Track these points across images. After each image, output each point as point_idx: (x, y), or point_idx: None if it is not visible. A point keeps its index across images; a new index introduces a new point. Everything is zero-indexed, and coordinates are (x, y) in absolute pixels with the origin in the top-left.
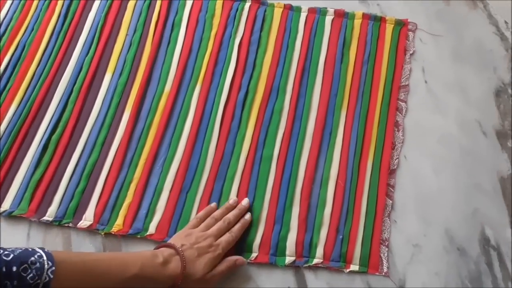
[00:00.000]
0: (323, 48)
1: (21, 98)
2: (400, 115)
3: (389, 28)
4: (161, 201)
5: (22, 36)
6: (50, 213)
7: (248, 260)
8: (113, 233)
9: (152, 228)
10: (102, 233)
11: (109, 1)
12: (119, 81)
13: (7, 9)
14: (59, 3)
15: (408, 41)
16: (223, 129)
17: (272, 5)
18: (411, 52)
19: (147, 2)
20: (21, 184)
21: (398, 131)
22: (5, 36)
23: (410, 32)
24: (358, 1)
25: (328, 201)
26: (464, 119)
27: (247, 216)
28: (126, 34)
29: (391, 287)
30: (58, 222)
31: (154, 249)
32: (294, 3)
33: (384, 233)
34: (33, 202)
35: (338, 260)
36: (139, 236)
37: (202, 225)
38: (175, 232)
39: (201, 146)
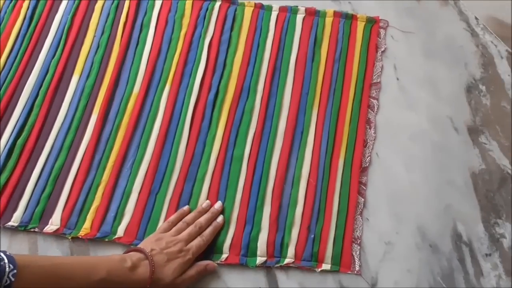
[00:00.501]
0: (294, 46)
1: None
2: (372, 112)
3: (360, 26)
4: (130, 204)
5: None
6: (16, 218)
7: (219, 261)
8: (80, 237)
9: (120, 231)
10: (69, 237)
11: (76, 3)
12: (86, 83)
13: None
14: (25, 5)
15: (380, 38)
16: (193, 130)
17: (243, 4)
18: (382, 49)
19: (115, 3)
20: None
21: (370, 128)
22: None
23: (381, 30)
24: None
25: (299, 200)
26: (436, 115)
27: (219, 219)
28: (94, 36)
29: (363, 285)
30: (24, 227)
31: (123, 253)
32: (265, 2)
33: (356, 231)
34: None
35: (309, 259)
36: (107, 240)
37: (173, 229)
38: (144, 235)
39: (171, 148)
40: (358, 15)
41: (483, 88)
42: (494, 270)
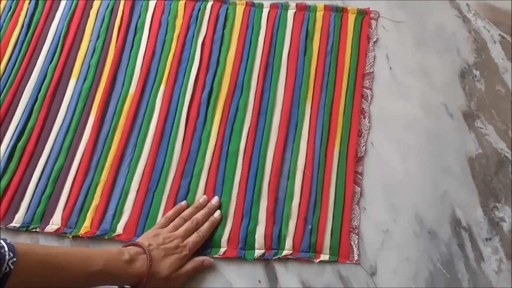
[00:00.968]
0: (286, 42)
1: None
2: (366, 102)
3: (351, 18)
4: (128, 202)
5: None
6: (17, 219)
7: (217, 255)
8: (80, 235)
9: (119, 229)
10: (70, 236)
11: (71, 10)
12: (83, 86)
13: None
14: (22, 13)
15: (371, 29)
16: (189, 128)
17: (234, 3)
18: (374, 39)
19: (109, 8)
20: None
21: (364, 118)
22: None
23: (372, 21)
24: None
25: (295, 193)
26: (430, 103)
27: (216, 214)
28: (90, 40)
29: (362, 274)
30: (25, 228)
31: (122, 247)
32: (256, 0)
33: (354, 221)
34: (0, 209)
35: (307, 250)
36: (106, 237)
37: (170, 225)
38: (142, 232)
39: (167, 145)
40: (348, 8)
41: (477, 73)
42: (495, 254)
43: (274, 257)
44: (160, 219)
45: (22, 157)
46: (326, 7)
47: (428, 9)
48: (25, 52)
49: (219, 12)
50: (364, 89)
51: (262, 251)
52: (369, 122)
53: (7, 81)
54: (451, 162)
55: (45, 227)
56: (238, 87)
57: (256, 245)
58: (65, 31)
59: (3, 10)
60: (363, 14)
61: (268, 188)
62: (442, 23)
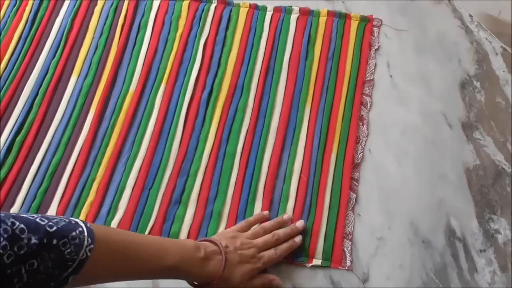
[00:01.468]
0: (287, 46)
1: None
2: (365, 109)
3: (354, 25)
4: (124, 199)
5: None
6: None
7: None
8: None
9: (114, 226)
10: None
11: (76, 7)
12: (84, 83)
13: None
14: (27, 9)
15: (373, 36)
16: (187, 127)
17: (238, 5)
18: (376, 47)
19: (114, 6)
20: None
21: (363, 125)
22: None
23: (375, 28)
24: None
25: (291, 196)
26: (429, 112)
27: (298, 239)
28: (93, 37)
29: (354, 281)
30: None
31: (198, 241)
32: (259, 3)
33: (348, 227)
34: None
35: (300, 254)
36: None
37: (250, 232)
38: (136, 229)
39: (165, 144)
40: (351, 14)
41: (478, 84)
42: (489, 266)
43: None
44: (154, 217)
45: (20, 151)
46: (329, 13)
47: (430, 18)
48: (28, 48)
49: (223, 13)
50: (364, 96)
51: None
52: (367, 129)
53: (9, 75)
54: (448, 171)
55: None
56: (238, 89)
57: None
58: (68, 28)
59: (8, 6)
60: (365, 21)
61: (264, 190)
62: (444, 33)
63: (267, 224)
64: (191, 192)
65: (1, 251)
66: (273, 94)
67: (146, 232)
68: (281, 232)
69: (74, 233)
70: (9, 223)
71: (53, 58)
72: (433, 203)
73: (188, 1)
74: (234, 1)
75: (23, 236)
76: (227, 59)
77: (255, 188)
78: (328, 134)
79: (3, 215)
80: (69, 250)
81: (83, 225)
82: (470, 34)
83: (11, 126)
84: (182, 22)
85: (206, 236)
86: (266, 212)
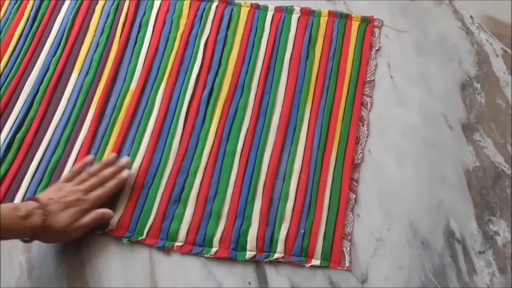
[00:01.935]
0: (288, 45)
1: None
2: (365, 110)
3: (355, 25)
4: (123, 197)
5: None
6: None
7: (208, 255)
8: None
9: (112, 224)
10: None
11: (77, 4)
12: (85, 80)
13: None
14: (28, 6)
15: (374, 37)
16: (187, 126)
17: (239, 5)
18: (376, 48)
19: (115, 4)
20: None
21: (363, 125)
22: None
23: (376, 29)
24: None
25: (290, 196)
26: (429, 113)
27: (124, 173)
28: (94, 35)
29: (353, 281)
30: None
31: (21, 202)
32: (261, 2)
33: (347, 227)
34: None
35: (299, 254)
36: (99, 232)
37: (75, 179)
38: (135, 227)
39: (165, 142)
40: (352, 15)
41: (478, 86)
42: (488, 267)
43: (265, 260)
44: (154, 217)
45: (20, 148)
46: (330, 13)
47: (431, 19)
48: (29, 45)
49: (224, 13)
50: (364, 97)
51: (254, 253)
52: (367, 130)
53: (9, 73)
54: (448, 173)
55: None
56: (239, 88)
57: (248, 247)
58: (69, 25)
59: (9, 3)
60: (366, 22)
61: (263, 189)
62: (445, 34)
63: (92, 168)
64: (190, 191)
65: None
66: (273, 93)
67: (145, 231)
68: (105, 172)
69: None
70: None
71: (53, 56)
72: (433, 204)
73: (189, 0)
74: (235, 1)
75: None
76: (228, 58)
77: (255, 187)
78: (328, 134)
79: None
80: None
81: None
82: (471, 36)
83: (11, 123)
84: (183, 21)
85: (204, 235)
86: (91, 156)
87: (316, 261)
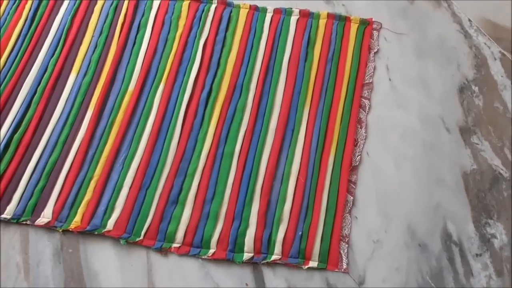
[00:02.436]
0: (287, 47)
1: None
2: (364, 112)
3: (353, 28)
4: (121, 198)
5: None
6: (9, 211)
7: (206, 256)
8: (70, 230)
9: (110, 225)
10: (60, 230)
11: (76, 5)
12: (83, 81)
13: None
14: (27, 6)
15: (373, 39)
16: (185, 127)
17: (238, 6)
18: (375, 50)
19: (114, 5)
20: None
21: (361, 128)
22: None
23: (374, 31)
24: (324, 1)
25: (288, 197)
26: (427, 116)
27: None
28: (92, 36)
29: (350, 283)
30: (16, 220)
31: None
32: (260, 4)
33: (345, 230)
34: None
35: (296, 256)
36: (96, 233)
37: None
38: (133, 228)
39: (163, 143)
40: (351, 17)
41: (476, 89)
42: (485, 270)
43: (263, 261)
44: (151, 216)
45: (18, 149)
46: (329, 15)
47: (430, 22)
48: (27, 45)
49: (223, 14)
50: (363, 99)
51: (251, 254)
52: (365, 132)
53: (7, 73)
54: (446, 175)
55: (36, 220)
56: (237, 89)
57: (246, 248)
58: (68, 26)
59: (8, 3)
60: (365, 24)
61: (261, 191)
62: (443, 37)
63: None
64: (188, 192)
65: None
66: (272, 95)
67: (143, 232)
68: None
69: None
70: None
71: (52, 56)
72: (430, 207)
73: (188, 1)
74: (234, 2)
75: None
76: (227, 59)
77: (253, 189)
78: (326, 136)
79: None
80: None
81: None
82: (469, 39)
83: (9, 123)
84: (182, 22)
85: (202, 237)
86: None
87: (313, 263)
